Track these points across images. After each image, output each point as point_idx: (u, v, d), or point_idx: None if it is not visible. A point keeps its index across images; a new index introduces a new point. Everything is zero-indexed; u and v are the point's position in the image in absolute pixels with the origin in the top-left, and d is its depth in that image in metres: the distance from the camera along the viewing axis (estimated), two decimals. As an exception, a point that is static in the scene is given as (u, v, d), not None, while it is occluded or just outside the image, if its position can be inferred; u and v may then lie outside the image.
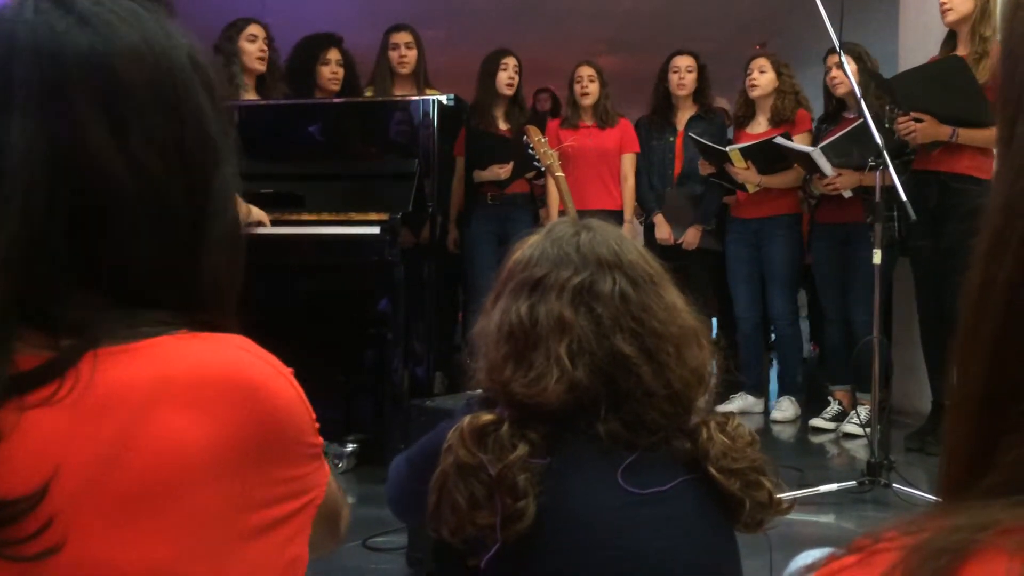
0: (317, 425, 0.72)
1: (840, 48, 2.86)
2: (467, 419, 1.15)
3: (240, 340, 0.70)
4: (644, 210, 4.62)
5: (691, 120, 4.57)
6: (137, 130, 0.66)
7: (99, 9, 0.68)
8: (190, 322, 0.69)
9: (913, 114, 3.51)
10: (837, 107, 4.20)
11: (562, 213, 4.22)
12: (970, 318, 0.41)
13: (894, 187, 2.74)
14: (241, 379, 0.66)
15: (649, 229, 4.61)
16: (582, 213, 4.17)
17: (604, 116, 4.43)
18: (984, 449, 0.39)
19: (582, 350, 1.13)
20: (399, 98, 3.85)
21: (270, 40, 3.82)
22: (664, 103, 4.62)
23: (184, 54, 0.71)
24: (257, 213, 3.04)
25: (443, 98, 3.45)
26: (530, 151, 2.84)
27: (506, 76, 4.25)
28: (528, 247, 1.24)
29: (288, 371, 0.70)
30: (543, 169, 2.85)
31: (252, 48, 3.74)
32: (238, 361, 0.67)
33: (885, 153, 2.80)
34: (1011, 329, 0.38)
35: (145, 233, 0.67)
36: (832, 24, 2.84)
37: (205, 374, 0.65)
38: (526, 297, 1.18)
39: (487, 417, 1.15)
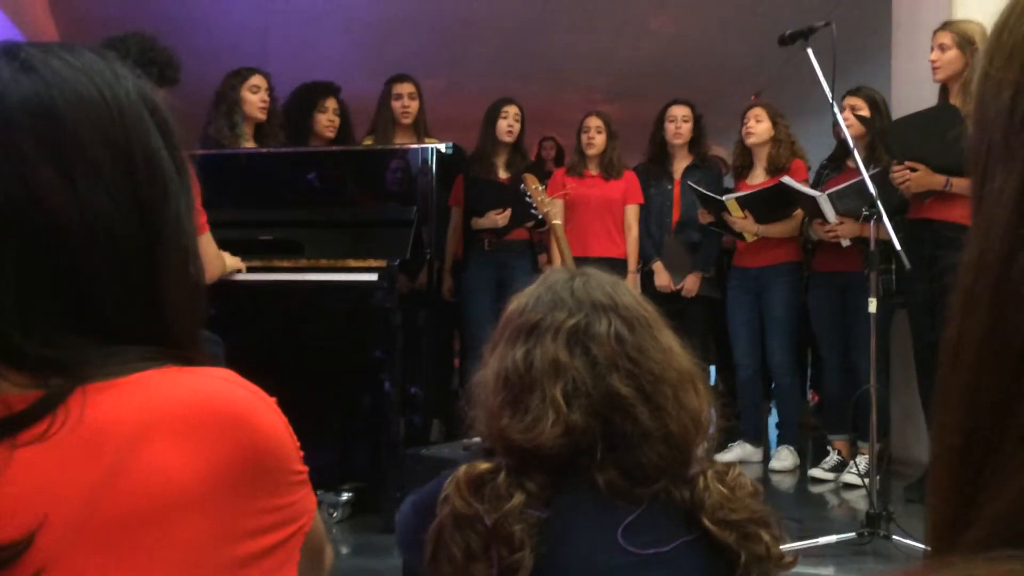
0: (301, 453, 0.73)
1: (833, 101, 2.90)
2: (463, 468, 1.15)
3: (225, 372, 0.71)
4: (642, 258, 4.64)
5: (687, 169, 4.62)
6: (84, 171, 0.68)
7: (46, 56, 0.70)
8: (174, 357, 0.70)
9: (908, 163, 3.55)
10: (842, 153, 4.23)
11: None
12: (946, 373, 0.41)
13: (889, 238, 2.76)
14: (227, 410, 0.67)
15: (647, 276, 4.62)
16: (586, 260, 4.23)
17: (609, 167, 4.47)
18: (965, 503, 0.39)
19: (577, 392, 1.12)
20: (398, 146, 3.89)
21: (271, 90, 3.87)
22: (660, 151, 4.67)
23: (136, 96, 0.73)
24: (232, 262, 3.04)
25: (442, 146, 3.49)
26: (528, 199, 2.86)
27: (505, 124, 4.30)
28: (524, 295, 1.25)
29: (272, 400, 0.72)
30: (540, 217, 2.87)
31: (254, 98, 3.79)
32: (224, 392, 0.69)
33: (879, 203, 2.82)
34: (984, 384, 0.39)
35: (101, 271, 0.68)
36: (825, 76, 2.89)
37: (192, 406, 0.66)
38: (522, 342, 1.18)
39: (484, 466, 1.14)
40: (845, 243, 3.93)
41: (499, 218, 4.14)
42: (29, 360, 0.65)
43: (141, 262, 0.71)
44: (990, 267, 0.39)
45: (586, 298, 1.20)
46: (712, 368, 5.91)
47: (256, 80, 3.82)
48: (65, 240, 0.67)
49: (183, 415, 0.65)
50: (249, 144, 3.78)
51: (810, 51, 2.93)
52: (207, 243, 2.72)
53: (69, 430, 0.63)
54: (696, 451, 1.18)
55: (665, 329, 1.23)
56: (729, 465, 1.20)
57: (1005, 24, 0.42)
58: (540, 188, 2.82)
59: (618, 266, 4.44)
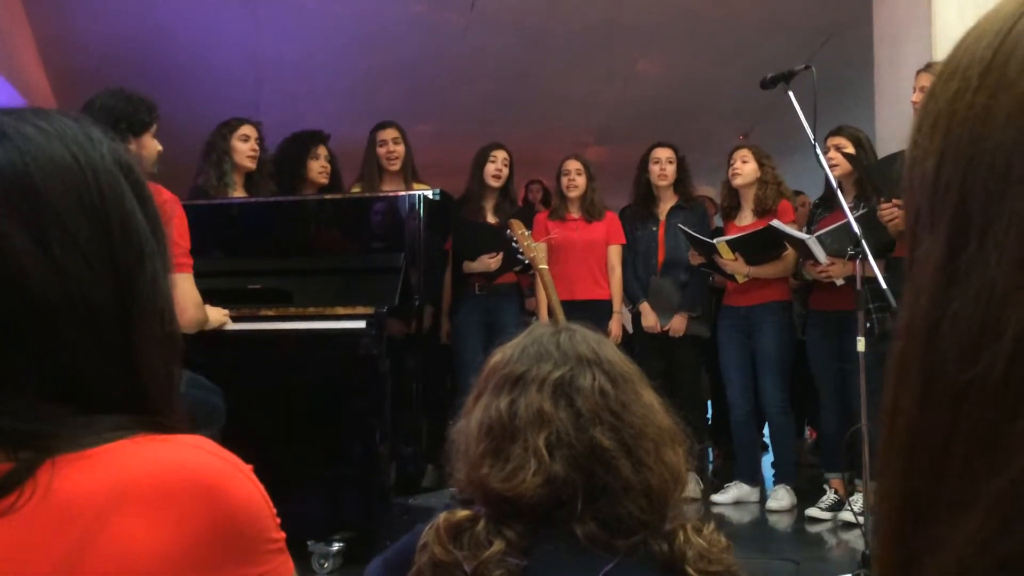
0: (278, 520, 0.72)
1: (815, 143, 2.93)
2: (443, 515, 1.15)
3: (198, 440, 0.70)
4: (630, 299, 4.65)
5: (672, 209, 4.65)
6: (60, 238, 0.68)
7: (18, 123, 0.71)
8: (148, 425, 0.70)
9: (895, 201, 3.57)
10: (833, 192, 4.24)
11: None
12: (885, 439, 0.41)
13: (876, 277, 2.76)
14: (199, 479, 0.66)
15: (637, 317, 4.64)
16: (572, 304, 4.23)
17: (591, 209, 4.51)
18: (904, 571, 0.39)
19: (560, 443, 1.13)
20: (386, 193, 3.92)
21: (261, 140, 3.91)
22: (646, 193, 4.71)
23: (111, 159, 0.73)
24: (216, 315, 3.02)
25: (429, 193, 3.51)
26: (514, 244, 2.88)
27: (493, 168, 4.34)
28: (508, 347, 1.26)
29: (247, 468, 0.71)
30: (527, 262, 2.88)
31: (244, 147, 3.82)
32: (195, 461, 0.68)
33: (864, 243, 2.84)
34: (918, 453, 0.39)
35: (78, 337, 0.68)
36: (807, 116, 2.92)
37: (162, 477, 0.65)
38: (507, 393, 1.19)
39: (463, 513, 1.15)
40: (839, 282, 3.94)
41: (492, 262, 4.15)
42: (3, 435, 0.64)
43: (118, 325, 0.70)
44: (918, 336, 0.39)
45: (571, 351, 1.21)
46: (708, 403, 5.92)
47: (246, 130, 3.86)
48: (42, 308, 0.67)
49: (153, 486, 0.64)
50: (239, 193, 3.81)
51: (791, 94, 2.97)
52: (187, 286, 2.71)
53: (36, 503, 0.62)
54: (672, 504, 1.19)
55: (647, 387, 1.24)
56: (704, 521, 1.21)
57: (933, 93, 0.43)
58: (526, 233, 2.84)
59: (603, 308, 4.46)
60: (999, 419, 0.35)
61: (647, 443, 1.16)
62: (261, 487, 0.71)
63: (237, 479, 0.69)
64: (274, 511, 0.72)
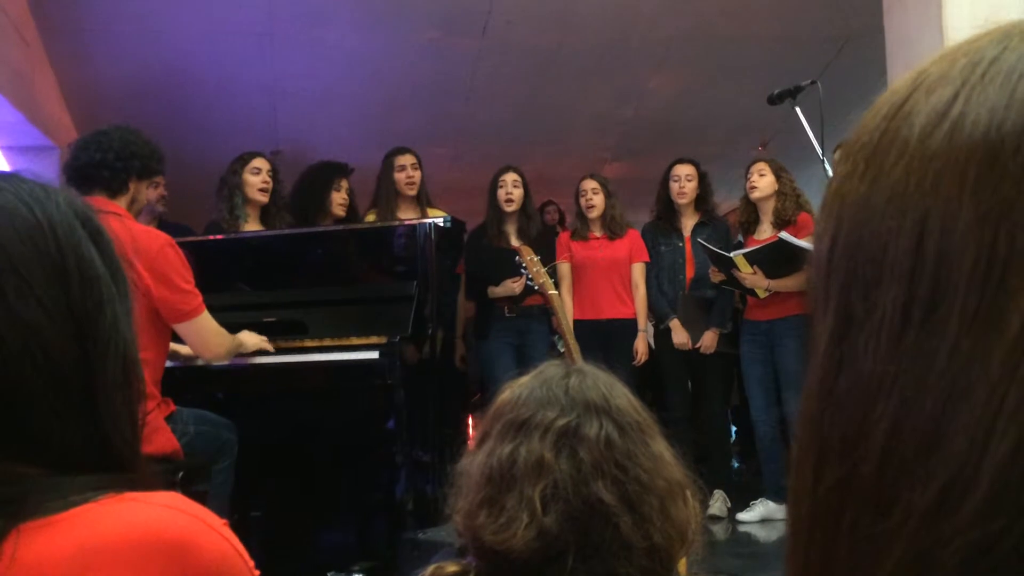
0: (257, 572, 0.72)
1: (824, 157, 2.90)
2: (431, 568, 1.13)
3: (168, 497, 0.70)
4: (656, 316, 4.62)
5: (696, 226, 4.63)
6: (16, 286, 0.68)
7: None
8: (116, 484, 0.69)
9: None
10: None
11: (576, 323, 4.26)
12: (789, 527, 0.40)
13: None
14: (166, 539, 0.66)
15: (664, 334, 4.60)
16: (597, 323, 4.18)
17: (612, 226, 4.50)
18: None
19: (557, 495, 1.09)
20: (397, 223, 3.95)
21: (275, 172, 3.95)
22: (668, 209, 4.69)
23: (66, 208, 0.74)
24: (254, 340, 3.03)
25: (440, 220, 3.53)
26: (523, 271, 2.87)
27: (504, 194, 4.35)
28: (517, 387, 1.21)
29: (220, 523, 0.70)
30: (537, 288, 2.87)
31: (255, 180, 3.87)
32: (162, 520, 0.67)
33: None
34: (812, 547, 0.37)
35: (38, 388, 0.68)
36: (814, 130, 2.90)
37: (129, 539, 0.65)
38: (510, 439, 1.14)
39: (452, 568, 1.12)
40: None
41: (515, 286, 4.15)
42: None
43: (79, 371, 0.70)
44: (811, 422, 0.38)
45: (580, 397, 1.16)
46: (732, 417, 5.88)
47: (257, 162, 3.91)
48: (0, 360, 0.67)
49: (119, 549, 0.64)
50: (254, 226, 3.85)
51: (798, 110, 2.95)
52: (206, 323, 2.73)
53: (1, 573, 0.62)
54: (677, 562, 1.14)
55: (658, 436, 1.19)
56: None
57: (835, 169, 0.42)
58: (535, 259, 2.83)
59: (629, 327, 4.43)
60: (874, 518, 0.34)
61: (652, 498, 1.11)
62: (235, 540, 0.71)
63: (207, 535, 0.68)
64: (251, 564, 0.72)
